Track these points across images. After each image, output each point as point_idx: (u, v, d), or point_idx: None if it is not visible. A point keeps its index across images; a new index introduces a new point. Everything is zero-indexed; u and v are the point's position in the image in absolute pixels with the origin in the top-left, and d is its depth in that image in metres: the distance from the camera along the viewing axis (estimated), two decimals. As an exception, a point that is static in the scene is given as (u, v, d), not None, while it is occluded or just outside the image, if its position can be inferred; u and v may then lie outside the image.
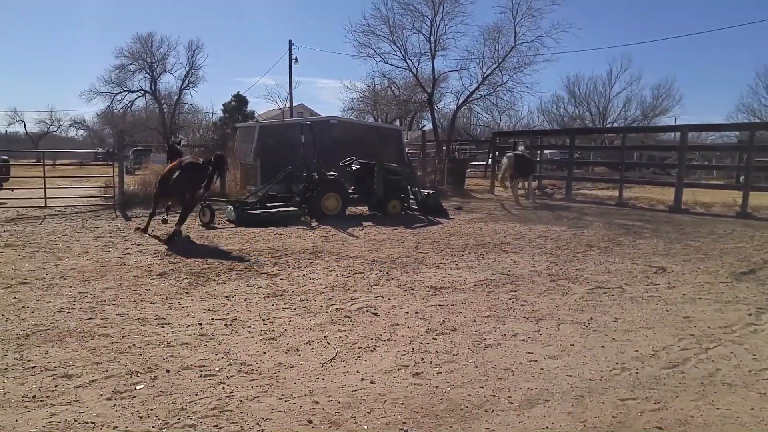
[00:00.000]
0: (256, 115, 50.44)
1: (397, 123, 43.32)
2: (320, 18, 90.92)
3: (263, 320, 4.78)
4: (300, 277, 6.37)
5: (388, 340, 4.32)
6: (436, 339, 4.35)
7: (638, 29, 73.70)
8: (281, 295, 5.58)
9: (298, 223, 10.68)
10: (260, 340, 4.31)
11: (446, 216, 12.25)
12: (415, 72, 22.66)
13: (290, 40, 35.19)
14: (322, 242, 8.80)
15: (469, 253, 7.94)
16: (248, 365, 3.82)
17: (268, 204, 11.22)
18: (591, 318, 4.87)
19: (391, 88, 27.86)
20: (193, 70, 49.99)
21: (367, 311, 5.03)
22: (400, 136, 17.49)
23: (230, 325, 4.66)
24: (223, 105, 50.77)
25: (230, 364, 3.83)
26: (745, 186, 12.55)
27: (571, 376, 3.65)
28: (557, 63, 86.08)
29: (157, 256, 7.56)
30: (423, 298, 5.49)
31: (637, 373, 3.70)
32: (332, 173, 11.89)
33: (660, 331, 4.55)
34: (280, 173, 12.04)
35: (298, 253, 7.84)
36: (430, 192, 12.69)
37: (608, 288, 5.90)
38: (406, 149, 23.08)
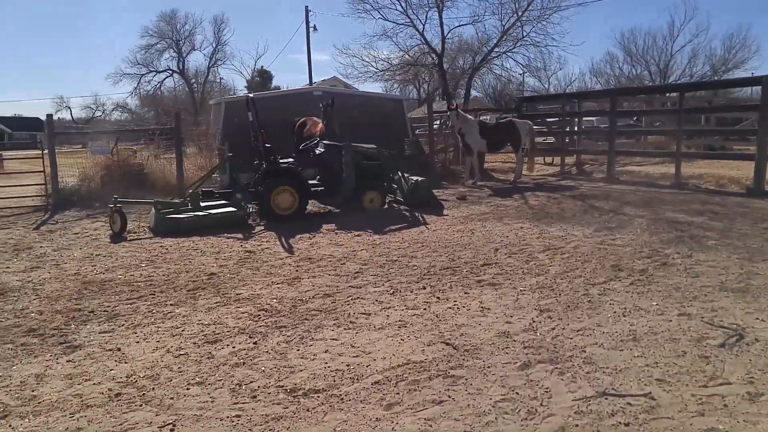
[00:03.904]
0: (283, 88, 48.26)
1: (440, 93, 39.46)
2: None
3: None
4: (109, 354, 3.87)
5: None
6: None
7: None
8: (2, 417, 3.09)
9: (238, 229, 8.19)
10: None
11: (440, 210, 9.45)
12: (421, 29, 19.38)
13: (306, 7, 32.32)
14: (234, 264, 6.28)
15: (424, 287, 5.19)
16: None
17: (201, 204, 8.76)
18: None
19: (430, 54, 24.49)
20: (220, 47, 48.48)
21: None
22: (403, 108, 14.58)
23: None
24: (247, 81, 48.85)
25: None
26: None
27: None
28: (607, 17, 78.77)
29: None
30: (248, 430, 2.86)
31: None
32: (286, 160, 9.27)
33: None
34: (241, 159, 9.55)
35: (171, 291, 5.35)
36: (419, 180, 9.83)
37: (622, 398, 3.04)
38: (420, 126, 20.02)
